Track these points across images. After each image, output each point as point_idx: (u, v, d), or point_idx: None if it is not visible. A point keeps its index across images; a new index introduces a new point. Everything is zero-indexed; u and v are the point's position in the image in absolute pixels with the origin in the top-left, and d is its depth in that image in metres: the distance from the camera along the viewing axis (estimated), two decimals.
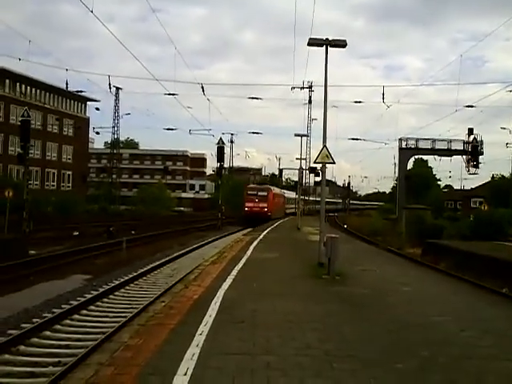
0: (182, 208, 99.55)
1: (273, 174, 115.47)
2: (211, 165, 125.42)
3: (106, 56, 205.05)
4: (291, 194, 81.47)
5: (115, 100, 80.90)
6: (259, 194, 59.94)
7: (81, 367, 7.16)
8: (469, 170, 56.52)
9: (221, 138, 51.49)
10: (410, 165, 66.03)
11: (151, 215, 67.47)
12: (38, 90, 68.69)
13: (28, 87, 66.85)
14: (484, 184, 77.09)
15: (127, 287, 17.89)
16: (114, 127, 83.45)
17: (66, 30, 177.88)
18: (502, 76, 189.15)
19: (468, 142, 55.35)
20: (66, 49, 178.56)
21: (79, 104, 77.39)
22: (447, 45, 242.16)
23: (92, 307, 14.62)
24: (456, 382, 6.70)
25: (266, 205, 58.71)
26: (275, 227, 46.94)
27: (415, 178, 68.88)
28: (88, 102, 77.29)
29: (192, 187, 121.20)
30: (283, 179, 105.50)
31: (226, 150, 68.32)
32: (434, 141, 56.95)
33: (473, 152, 55.01)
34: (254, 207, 58.19)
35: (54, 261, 23.79)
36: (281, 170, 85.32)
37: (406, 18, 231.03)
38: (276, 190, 69.70)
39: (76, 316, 13.49)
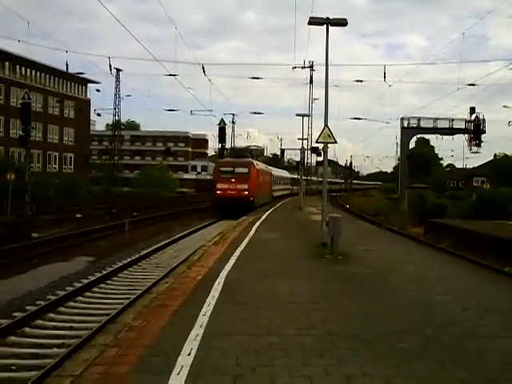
0: (184, 189, 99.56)
1: (275, 155, 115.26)
2: (213, 146, 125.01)
3: (107, 37, 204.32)
4: (281, 172, 71.59)
5: (116, 81, 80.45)
6: (237, 170, 41.63)
7: (85, 348, 7.20)
8: (471, 149, 56.47)
9: (222, 119, 51.43)
10: (412, 144, 65.95)
11: (153, 197, 67.53)
12: (39, 72, 68.39)
13: (28, 69, 66.57)
14: (486, 163, 76.91)
15: (130, 269, 17.96)
16: (115, 109, 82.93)
17: (66, 12, 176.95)
18: (505, 53, 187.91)
19: (470, 121, 55.22)
20: (66, 30, 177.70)
21: (80, 86, 77.13)
22: (450, 23, 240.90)
23: (95, 289, 14.69)
24: (459, 360, 6.72)
25: (246, 186, 40.77)
26: (277, 208, 46.91)
27: (417, 157, 68.86)
28: (89, 84, 77.08)
29: (194, 168, 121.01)
30: (285, 159, 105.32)
31: (228, 131, 67.43)
32: (435, 120, 56.81)
33: (475, 131, 54.91)
34: (229, 190, 40.62)
35: (57, 243, 23.88)
36: (282, 150, 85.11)
37: None
38: (260, 165, 51.65)
39: (80, 298, 13.57)
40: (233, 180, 40.66)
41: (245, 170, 41.53)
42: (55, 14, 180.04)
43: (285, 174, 74.83)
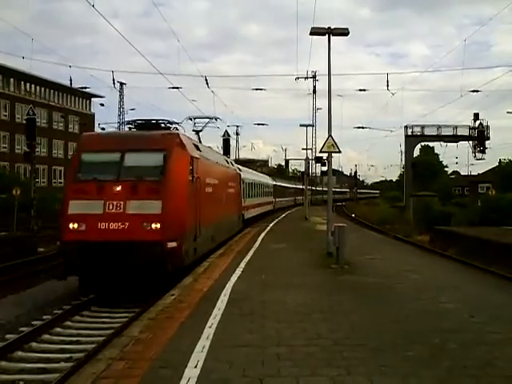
0: None
1: (279, 165, 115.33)
2: None
3: (110, 51, 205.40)
4: (257, 175, 45.67)
5: (120, 95, 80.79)
6: (132, 160, 14.92)
7: (92, 362, 7.18)
8: (475, 156, 56.43)
9: (226, 131, 51.00)
10: (416, 152, 65.93)
11: None
12: (43, 88, 68.75)
13: (32, 85, 66.94)
14: (491, 169, 76.65)
15: None
16: (119, 123, 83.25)
17: (69, 27, 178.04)
18: (508, 59, 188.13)
19: (474, 128, 55.25)
20: (69, 45, 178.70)
21: (84, 100, 77.41)
22: (454, 30, 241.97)
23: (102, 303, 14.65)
24: (467, 368, 6.69)
25: (158, 208, 13.98)
26: (282, 218, 46.73)
27: (422, 165, 68.67)
28: (93, 99, 77.33)
29: None
30: (290, 170, 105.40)
31: (232, 143, 66.82)
32: (439, 127, 56.84)
33: (479, 137, 54.91)
34: (101, 221, 13.86)
35: None
36: (287, 161, 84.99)
37: (411, 4, 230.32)
38: (209, 152, 22.01)
39: (86, 312, 13.54)
40: (117, 190, 14.42)
41: (156, 160, 15.07)
42: (59, 29, 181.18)
43: (263, 178, 49.59)
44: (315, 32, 18.56)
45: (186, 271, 14.92)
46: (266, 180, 50.72)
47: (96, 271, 14.01)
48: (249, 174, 37.51)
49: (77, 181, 14.79)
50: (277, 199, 57.17)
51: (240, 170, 31.74)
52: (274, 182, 56.68)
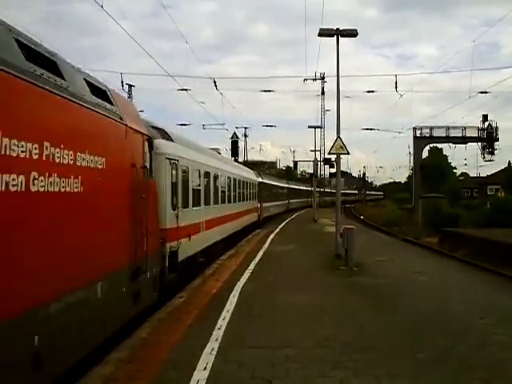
0: None
1: (288, 167, 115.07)
2: None
3: (118, 53, 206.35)
4: (231, 165, 27.12)
5: (128, 97, 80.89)
6: None
7: (101, 364, 7.20)
8: (484, 157, 56.21)
9: (234, 132, 50.86)
10: (425, 153, 65.68)
11: None
12: None
13: None
14: (500, 171, 76.26)
15: None
16: None
17: (78, 29, 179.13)
18: None
19: (483, 129, 55.05)
20: (78, 47, 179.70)
21: None
22: (461, 31, 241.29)
23: None
24: (475, 370, 6.67)
25: None
26: (291, 220, 46.67)
27: (430, 166, 68.39)
28: None
29: None
30: (298, 171, 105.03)
31: (240, 144, 66.10)
32: (448, 128, 56.63)
33: (488, 139, 54.70)
34: None
35: None
36: (295, 163, 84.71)
37: (417, 5, 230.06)
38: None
39: None
40: None
41: None
42: (67, 31, 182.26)
43: (239, 168, 30.80)
44: (324, 33, 18.56)
45: None
46: (245, 173, 31.60)
47: None
48: (194, 154, 16.47)
49: None
50: (264, 204, 39.50)
51: (168, 136, 13.75)
52: (260, 179, 39.39)
